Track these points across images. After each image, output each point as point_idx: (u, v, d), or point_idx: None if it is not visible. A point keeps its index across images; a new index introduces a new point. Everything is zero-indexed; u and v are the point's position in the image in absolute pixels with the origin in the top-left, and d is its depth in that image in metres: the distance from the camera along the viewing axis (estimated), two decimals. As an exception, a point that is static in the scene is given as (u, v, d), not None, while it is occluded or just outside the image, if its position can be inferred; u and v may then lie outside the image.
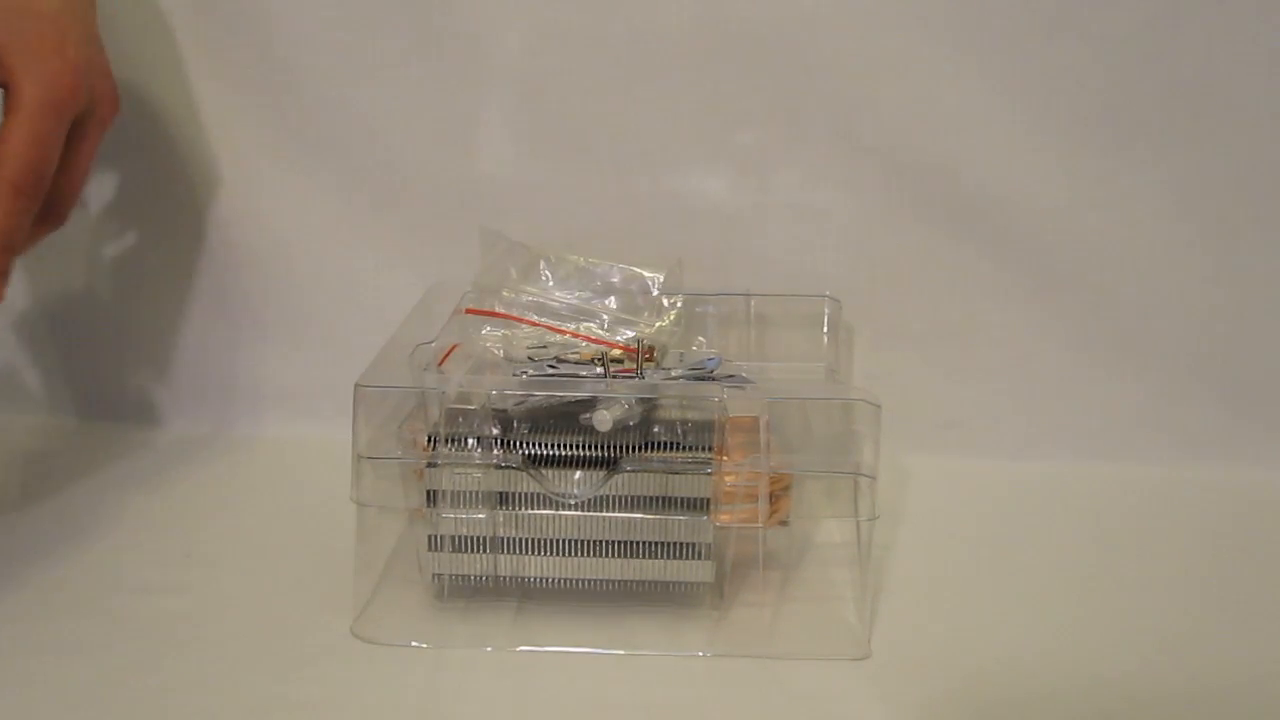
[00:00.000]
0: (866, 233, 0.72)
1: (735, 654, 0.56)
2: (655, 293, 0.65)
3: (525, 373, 0.60)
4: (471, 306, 0.65)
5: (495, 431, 0.56)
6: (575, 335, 0.62)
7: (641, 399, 0.57)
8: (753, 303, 0.70)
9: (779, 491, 0.57)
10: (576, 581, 0.57)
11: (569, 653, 0.56)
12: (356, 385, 0.56)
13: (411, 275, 0.72)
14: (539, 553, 0.57)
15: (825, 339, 0.70)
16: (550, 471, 0.56)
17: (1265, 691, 0.54)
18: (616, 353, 0.61)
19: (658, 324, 0.64)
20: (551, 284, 0.65)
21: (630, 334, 0.63)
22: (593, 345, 0.62)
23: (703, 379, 0.61)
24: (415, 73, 0.71)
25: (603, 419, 0.55)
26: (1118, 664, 0.55)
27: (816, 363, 0.70)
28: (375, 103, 0.71)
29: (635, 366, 0.60)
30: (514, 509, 0.56)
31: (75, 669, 0.54)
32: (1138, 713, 0.53)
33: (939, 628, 0.58)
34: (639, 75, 0.70)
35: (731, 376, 0.61)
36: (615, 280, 0.66)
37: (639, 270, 0.66)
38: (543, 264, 0.65)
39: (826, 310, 0.70)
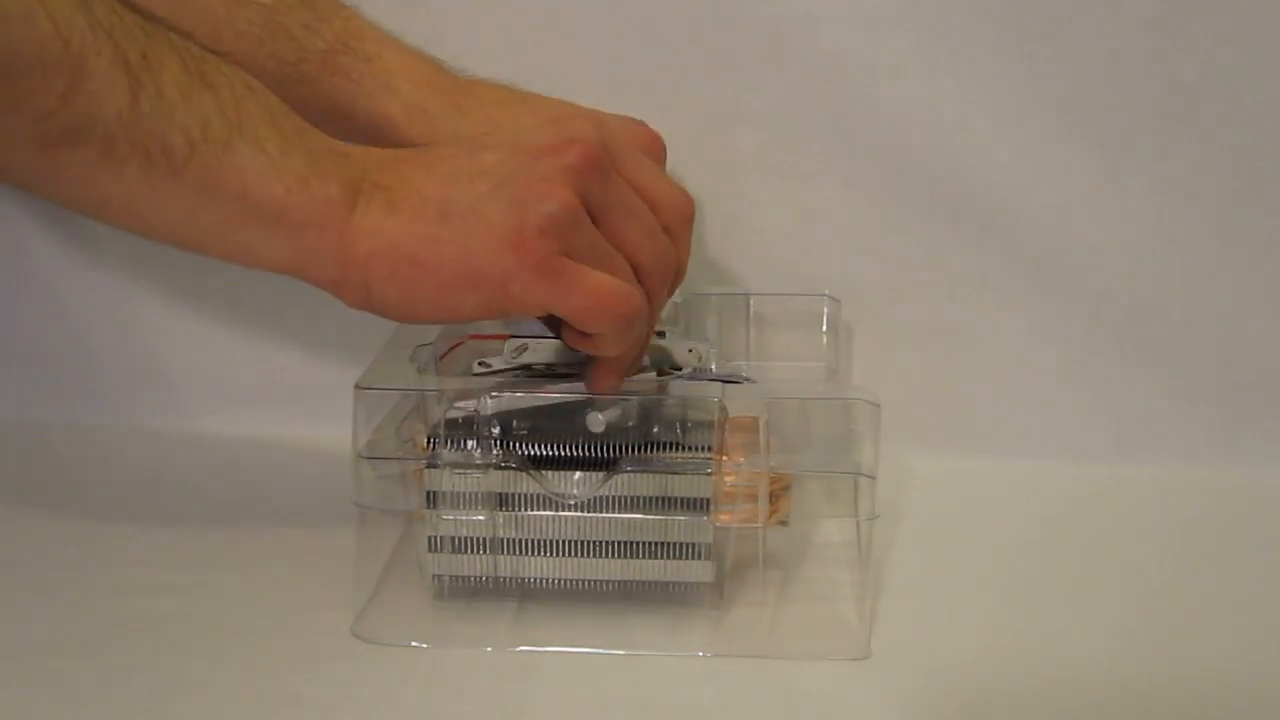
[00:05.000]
0: (866, 233, 0.71)
1: (735, 654, 0.56)
2: None
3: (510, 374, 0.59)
4: None
5: (495, 432, 0.56)
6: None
7: (641, 400, 0.57)
8: (752, 302, 0.70)
9: (779, 491, 0.57)
10: (576, 582, 0.57)
11: (569, 653, 0.56)
12: (356, 385, 0.56)
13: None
14: (539, 553, 0.57)
15: (825, 339, 0.70)
16: (550, 472, 0.56)
17: (1266, 692, 0.54)
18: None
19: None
20: None
21: None
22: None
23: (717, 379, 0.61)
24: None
25: (595, 421, 0.55)
26: (1118, 664, 0.55)
27: (816, 362, 0.70)
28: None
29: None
30: (514, 510, 0.56)
31: (75, 669, 0.54)
32: (1138, 713, 0.53)
33: (939, 628, 0.58)
34: (639, 75, 0.70)
35: (731, 378, 0.61)
36: None
37: None
38: None
39: (826, 310, 0.70)
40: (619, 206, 0.53)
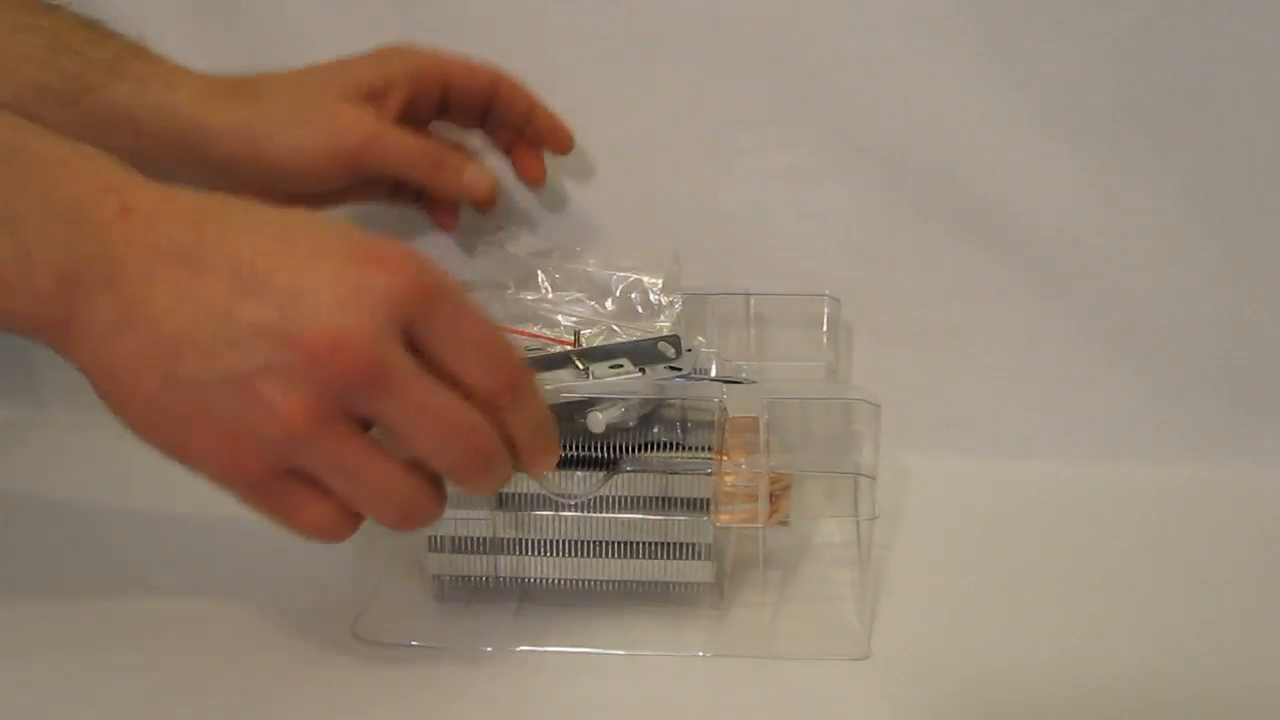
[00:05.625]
0: (866, 233, 0.71)
1: (735, 654, 0.56)
2: (655, 297, 0.65)
3: None
4: None
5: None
6: (572, 344, 0.62)
7: (642, 400, 0.57)
8: (752, 302, 0.70)
9: (779, 491, 0.57)
10: (576, 582, 0.57)
11: (569, 653, 0.56)
12: None
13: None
14: (539, 553, 0.57)
15: (825, 338, 0.70)
16: (550, 472, 0.56)
17: (1269, 693, 0.54)
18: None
19: (659, 326, 0.64)
20: (550, 293, 0.64)
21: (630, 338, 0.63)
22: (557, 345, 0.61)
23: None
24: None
25: (596, 421, 0.55)
26: (1118, 663, 0.55)
27: (816, 362, 0.70)
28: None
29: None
30: (514, 510, 0.56)
31: (75, 669, 0.54)
32: (1139, 713, 0.53)
33: (939, 628, 0.58)
34: (639, 73, 0.70)
35: (731, 378, 0.61)
36: (614, 285, 0.66)
37: (639, 276, 0.65)
38: (540, 274, 0.65)
39: (826, 309, 0.70)
40: (399, 415, 0.45)
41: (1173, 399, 0.72)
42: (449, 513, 0.55)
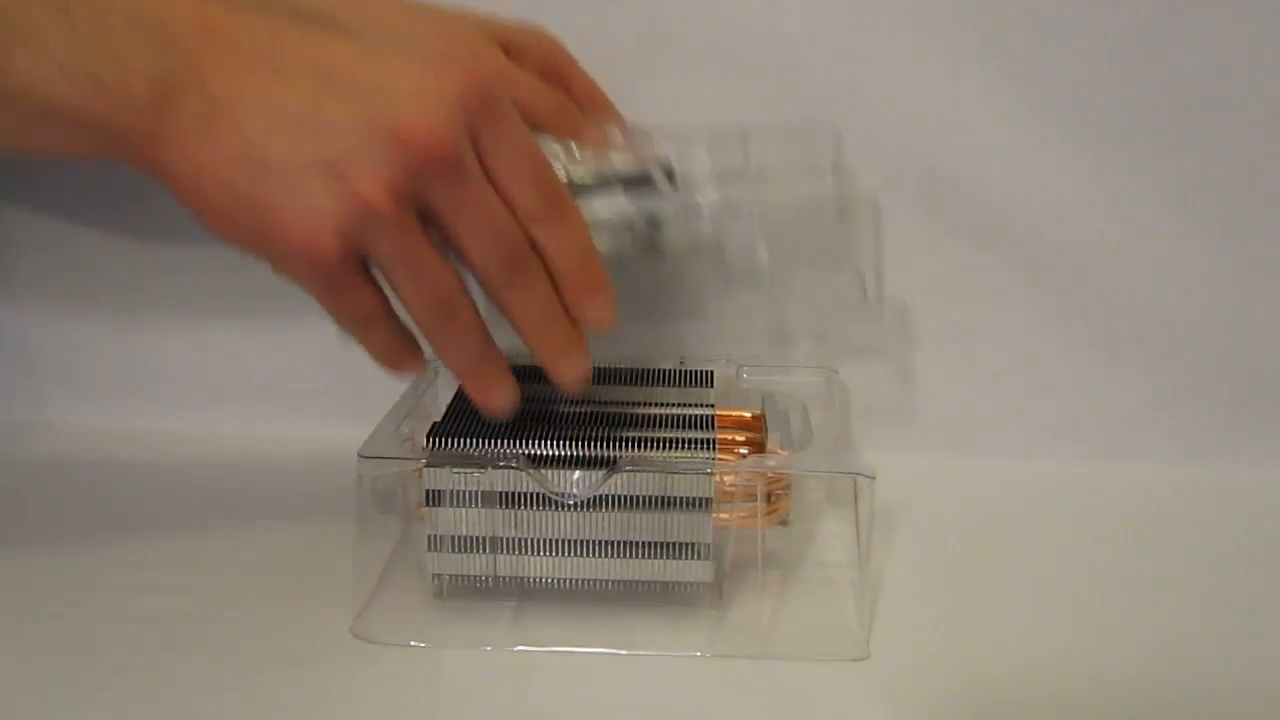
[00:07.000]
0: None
1: (734, 654, 0.56)
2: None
3: None
4: None
5: (495, 430, 0.56)
6: None
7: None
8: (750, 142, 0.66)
9: (778, 491, 0.57)
10: (576, 581, 0.57)
11: (568, 652, 0.56)
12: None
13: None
14: (538, 553, 0.57)
15: (830, 180, 0.66)
16: (549, 471, 0.56)
17: (1269, 693, 0.54)
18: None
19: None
20: None
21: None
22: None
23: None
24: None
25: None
26: (1118, 663, 0.55)
27: (820, 190, 0.67)
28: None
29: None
30: (513, 509, 0.56)
31: (75, 669, 0.54)
32: (1138, 713, 0.53)
33: (939, 628, 0.58)
34: (639, 73, 0.70)
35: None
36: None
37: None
38: None
39: (830, 147, 0.66)
40: (461, 207, 0.49)
41: (1174, 399, 0.72)
42: (448, 511, 0.56)
